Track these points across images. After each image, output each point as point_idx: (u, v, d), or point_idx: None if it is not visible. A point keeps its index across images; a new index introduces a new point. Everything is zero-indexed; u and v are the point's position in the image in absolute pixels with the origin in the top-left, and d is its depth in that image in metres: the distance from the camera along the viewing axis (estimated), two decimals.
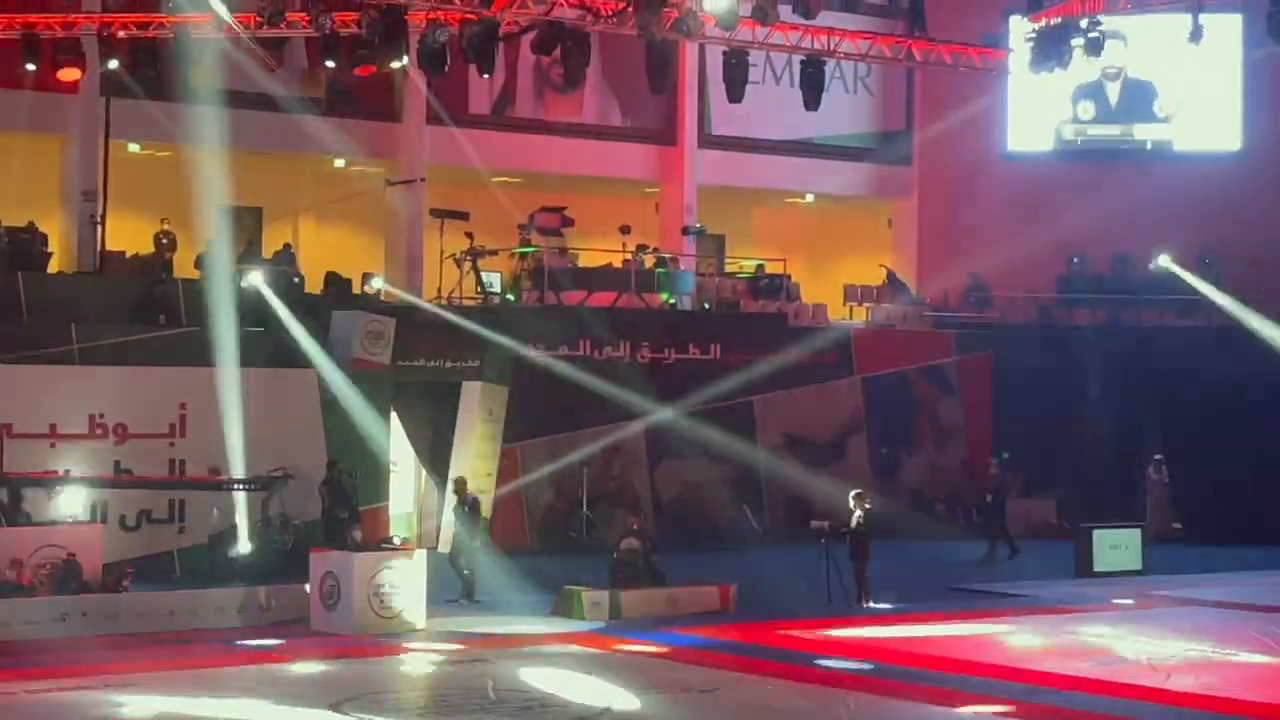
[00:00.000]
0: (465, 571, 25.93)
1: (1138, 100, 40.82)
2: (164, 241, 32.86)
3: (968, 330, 38.64)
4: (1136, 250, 38.25)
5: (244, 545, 26.38)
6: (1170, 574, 28.96)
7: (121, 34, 28.54)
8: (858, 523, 25.59)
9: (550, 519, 32.70)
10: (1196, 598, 26.70)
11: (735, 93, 28.96)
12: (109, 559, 24.34)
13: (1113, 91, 40.90)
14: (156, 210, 33.18)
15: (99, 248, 32.16)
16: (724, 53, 28.80)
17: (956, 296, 40.15)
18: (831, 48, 29.26)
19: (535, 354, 32.31)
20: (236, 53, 32.57)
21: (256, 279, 29.64)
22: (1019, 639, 23.09)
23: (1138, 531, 30.22)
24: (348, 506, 27.13)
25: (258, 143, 34.41)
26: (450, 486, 28.67)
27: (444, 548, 30.58)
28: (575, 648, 22.01)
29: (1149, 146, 40.73)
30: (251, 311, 29.88)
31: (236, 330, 29.03)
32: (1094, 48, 27.79)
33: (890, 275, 39.95)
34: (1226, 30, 37.99)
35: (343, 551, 23.39)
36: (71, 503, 25.54)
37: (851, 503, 25.84)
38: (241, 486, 26.29)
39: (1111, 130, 40.99)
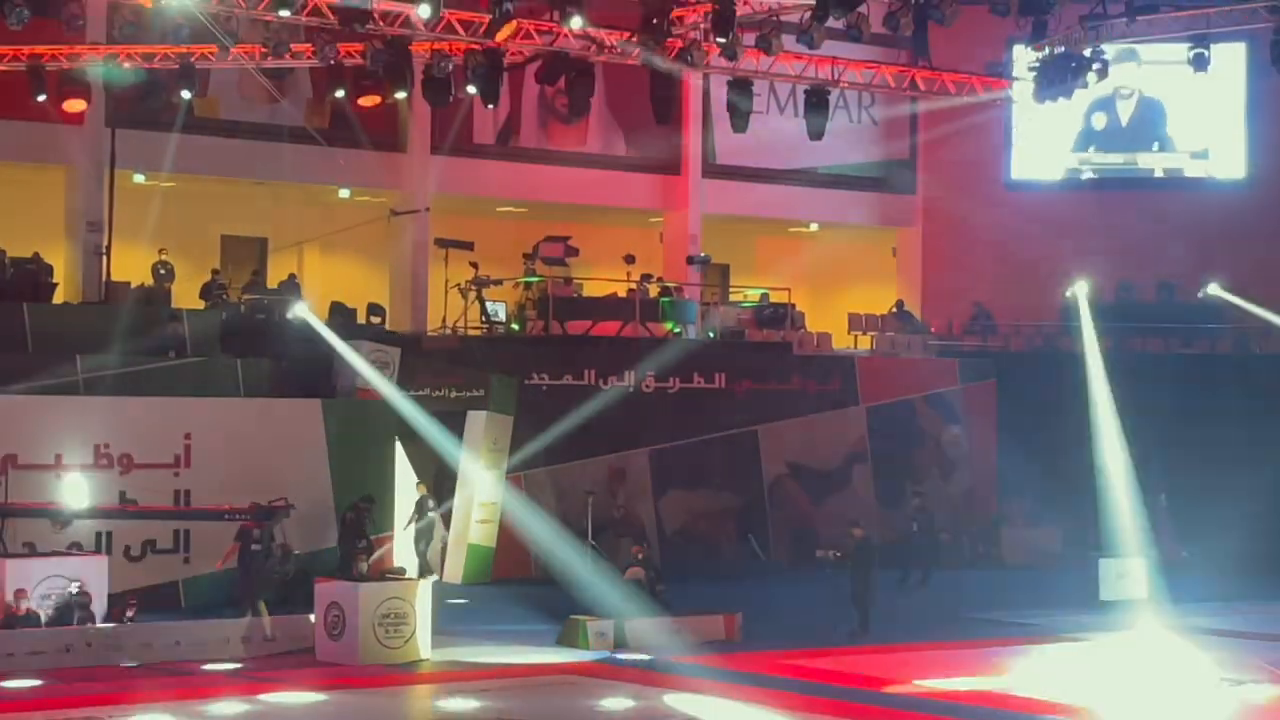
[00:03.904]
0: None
1: (1149, 120, 40.87)
2: (162, 272, 32.89)
3: (972, 358, 38.60)
4: (1140, 278, 38.25)
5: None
6: (1177, 603, 28.87)
7: (127, 64, 28.61)
8: (857, 552, 25.58)
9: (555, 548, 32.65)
10: (1204, 626, 26.64)
11: (739, 123, 29.03)
12: (113, 589, 24.32)
13: (1124, 110, 40.97)
14: (162, 241, 33.22)
15: (104, 278, 32.18)
16: (728, 83, 28.86)
17: (961, 325, 40.14)
18: (835, 77, 29.32)
19: (540, 383, 32.32)
20: (241, 83, 32.78)
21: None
22: (1026, 668, 23.03)
23: (1144, 560, 30.14)
24: (362, 537, 27.14)
25: (262, 173, 34.48)
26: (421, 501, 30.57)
27: (449, 577, 30.64)
28: (580, 677, 21.98)
29: (1158, 174, 40.80)
30: (257, 340, 29.94)
31: (240, 360, 29.10)
32: (1098, 76, 27.88)
33: (898, 304, 40.01)
34: (1231, 58, 38.04)
35: (347, 582, 23.38)
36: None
37: (851, 532, 25.86)
38: (243, 517, 26.20)
39: (1116, 158, 41.04)
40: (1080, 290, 35.79)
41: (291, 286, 33.74)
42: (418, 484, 30.75)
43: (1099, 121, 40.89)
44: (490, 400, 31.37)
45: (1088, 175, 41.31)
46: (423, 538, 30.54)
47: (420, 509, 30.51)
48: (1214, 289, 36.31)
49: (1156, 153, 40.98)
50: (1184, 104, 40.32)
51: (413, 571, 28.05)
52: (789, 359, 35.97)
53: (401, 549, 29.96)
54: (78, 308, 31.15)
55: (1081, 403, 35.86)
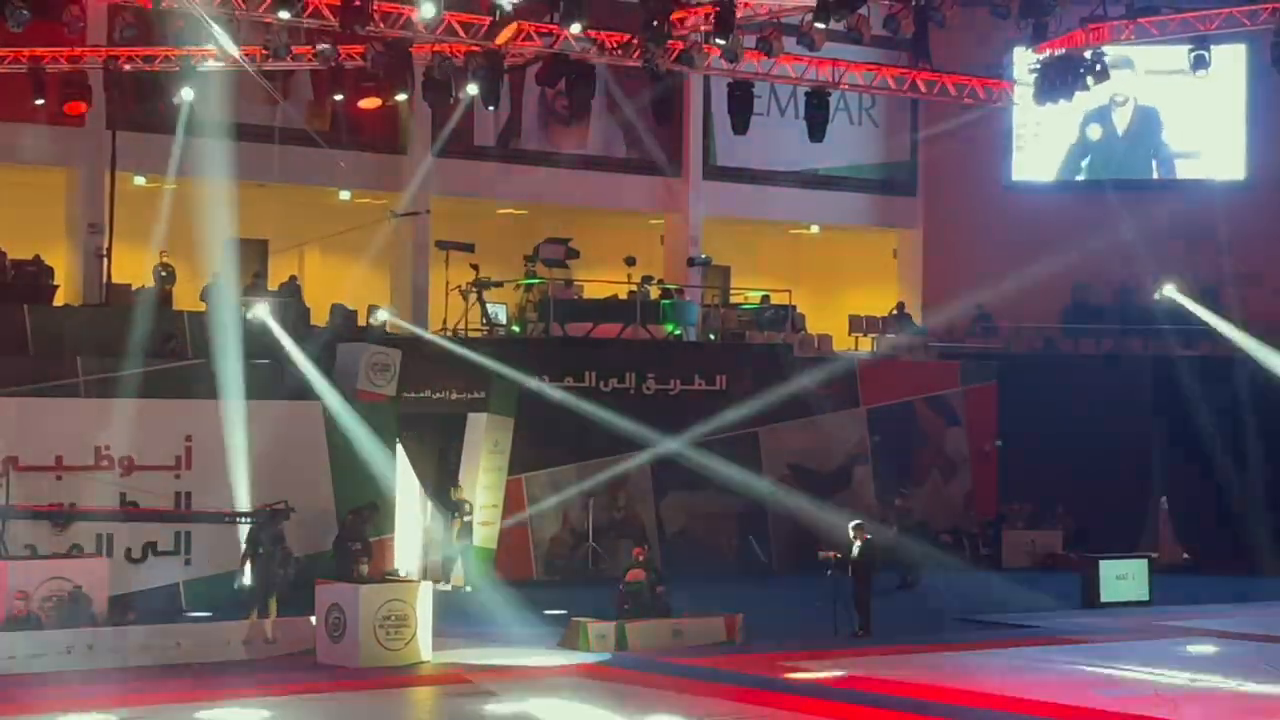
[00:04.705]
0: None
1: (1145, 127, 40.90)
2: (163, 274, 32.86)
3: (973, 360, 38.61)
4: (1140, 280, 38.25)
5: (246, 578, 26.33)
6: (1177, 605, 28.90)
7: (128, 67, 28.63)
8: (858, 553, 25.60)
9: (556, 551, 32.67)
10: (1204, 628, 26.64)
11: (740, 124, 29.04)
12: (115, 592, 24.31)
13: (1120, 118, 41.00)
14: (163, 243, 33.20)
15: (105, 280, 32.18)
16: (728, 84, 28.88)
17: (962, 326, 40.14)
18: (836, 79, 29.32)
19: (540, 385, 32.32)
20: (243, 85, 32.76)
21: (262, 311, 29.66)
22: (1027, 670, 23.02)
23: (1145, 562, 30.14)
24: (359, 539, 27.13)
25: (263, 175, 34.46)
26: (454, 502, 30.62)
27: (449, 580, 30.63)
28: (581, 680, 21.98)
29: (1155, 175, 40.84)
30: (258, 344, 29.88)
31: (242, 363, 29.07)
32: (1099, 78, 27.87)
33: (899, 306, 40.00)
34: (1231, 60, 38.04)
35: (348, 584, 23.39)
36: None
37: (851, 533, 25.86)
38: (243, 520, 26.20)
39: (1116, 160, 41.04)
40: (1170, 292, 35.39)
41: (292, 289, 33.74)
42: (455, 487, 30.68)
43: (1094, 133, 40.93)
44: (491, 403, 31.37)
45: (1088, 178, 41.30)
46: (461, 542, 30.47)
47: (458, 513, 30.38)
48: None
49: (1157, 156, 41.01)
50: (1183, 106, 40.32)
51: (427, 577, 28.26)
52: (790, 361, 35.95)
53: (402, 551, 29.96)
54: (79, 310, 31.15)
55: (1082, 405, 35.90)
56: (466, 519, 30.54)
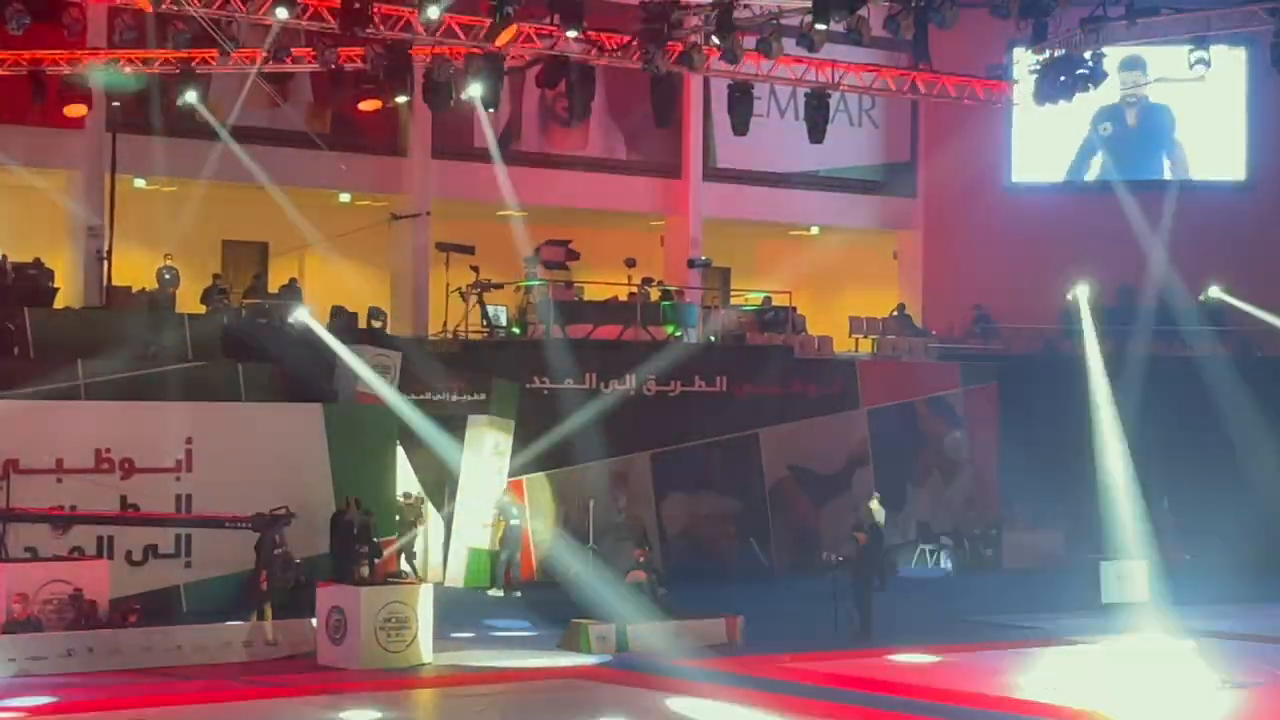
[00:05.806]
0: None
1: (1155, 126, 40.88)
2: (166, 276, 32.88)
3: (974, 361, 38.61)
4: (1140, 281, 38.25)
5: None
6: (1179, 605, 28.87)
7: (128, 70, 28.64)
8: (859, 555, 25.60)
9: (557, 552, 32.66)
10: (1205, 629, 26.62)
11: (740, 126, 29.05)
12: (116, 594, 24.31)
13: (1131, 116, 40.99)
14: (163, 245, 33.22)
15: (105, 283, 32.19)
16: (729, 86, 28.90)
17: (962, 327, 40.13)
18: (836, 80, 29.35)
19: (541, 387, 32.32)
20: (243, 88, 32.79)
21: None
22: (1027, 671, 23.01)
23: (1146, 563, 30.14)
24: (366, 542, 27.12)
25: (264, 177, 34.47)
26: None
27: (450, 582, 30.64)
28: (582, 681, 21.98)
29: (1167, 175, 40.81)
30: (257, 346, 29.91)
31: (242, 365, 29.09)
32: (1099, 79, 27.88)
33: (899, 307, 40.00)
34: (1232, 61, 38.05)
35: (349, 585, 23.39)
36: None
37: (853, 535, 25.85)
38: (243, 525, 26.16)
39: (1127, 159, 41.05)
40: (1081, 293, 35.72)
41: (293, 291, 33.73)
42: (504, 489, 30.61)
43: (1105, 130, 40.91)
44: (491, 404, 31.37)
45: (1089, 177, 41.30)
46: (506, 547, 30.44)
47: (503, 516, 30.33)
48: (1215, 292, 36.23)
49: (1166, 159, 41.03)
50: (1187, 108, 40.35)
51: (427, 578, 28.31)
52: (790, 362, 35.95)
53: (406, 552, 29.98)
54: (79, 312, 31.15)
55: (1083, 406, 35.90)
56: (514, 522, 30.47)
